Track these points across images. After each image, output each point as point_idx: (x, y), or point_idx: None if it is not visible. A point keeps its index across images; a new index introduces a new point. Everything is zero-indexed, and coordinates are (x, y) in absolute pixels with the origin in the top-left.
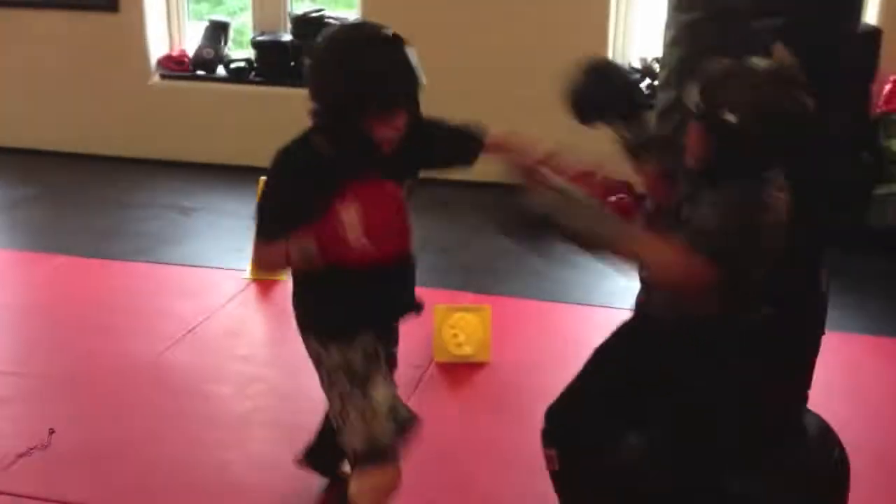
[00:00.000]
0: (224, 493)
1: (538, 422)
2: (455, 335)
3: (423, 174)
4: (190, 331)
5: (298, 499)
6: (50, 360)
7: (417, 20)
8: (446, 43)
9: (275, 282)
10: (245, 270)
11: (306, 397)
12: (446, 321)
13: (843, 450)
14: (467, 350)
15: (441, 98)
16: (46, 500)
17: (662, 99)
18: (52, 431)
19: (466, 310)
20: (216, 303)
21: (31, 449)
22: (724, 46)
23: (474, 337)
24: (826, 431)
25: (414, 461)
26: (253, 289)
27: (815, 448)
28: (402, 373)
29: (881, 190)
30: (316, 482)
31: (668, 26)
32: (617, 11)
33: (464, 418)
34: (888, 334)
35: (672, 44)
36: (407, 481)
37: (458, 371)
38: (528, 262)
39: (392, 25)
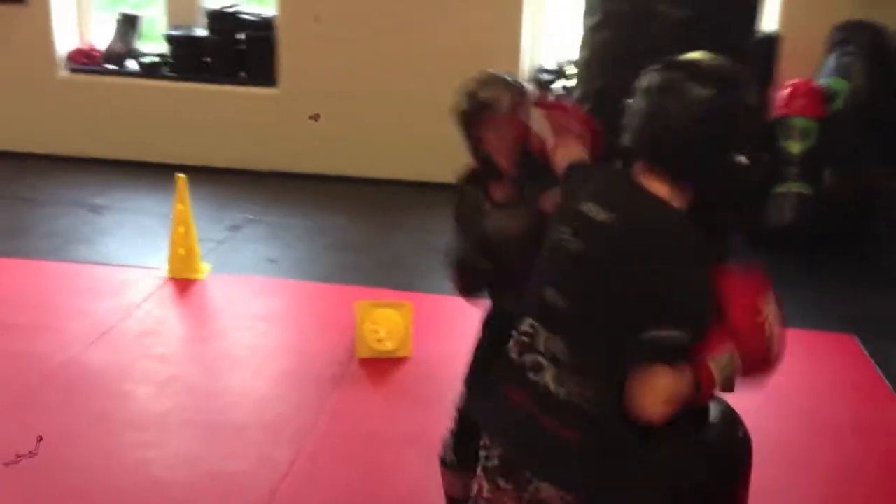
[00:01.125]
0: (144, 493)
1: None
2: (376, 331)
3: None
4: (106, 331)
5: (218, 497)
6: None
7: (327, 21)
8: (361, 43)
9: (191, 280)
10: (160, 269)
11: (225, 395)
12: (368, 318)
13: (745, 430)
14: (388, 346)
15: (359, 96)
16: None
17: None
18: (39, 439)
19: (387, 306)
20: (132, 301)
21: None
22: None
23: (395, 333)
24: (730, 414)
25: (340, 454)
26: (169, 287)
27: (719, 428)
28: (323, 370)
29: (779, 189)
30: (235, 481)
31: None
32: (532, 16)
33: (387, 412)
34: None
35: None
36: (333, 475)
37: (381, 366)
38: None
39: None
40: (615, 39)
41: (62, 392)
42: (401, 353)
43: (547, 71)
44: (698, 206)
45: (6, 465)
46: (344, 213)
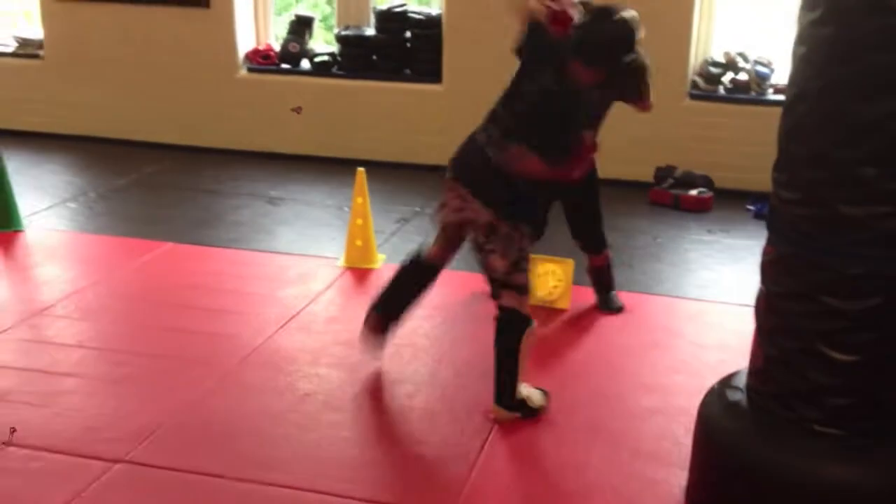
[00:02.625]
0: (345, 469)
1: None
2: (546, 281)
3: None
4: (294, 316)
5: (416, 478)
6: (169, 342)
7: (493, 19)
8: None
9: (367, 270)
10: (338, 258)
11: (412, 381)
12: (534, 270)
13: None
14: (555, 295)
15: None
16: (181, 470)
17: (791, 94)
18: (13, 430)
19: (551, 261)
20: (315, 289)
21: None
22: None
23: (559, 286)
24: None
25: (524, 442)
26: (347, 276)
27: None
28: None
29: None
30: (430, 464)
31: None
32: (700, 7)
33: (564, 401)
34: None
35: (797, 43)
36: (521, 465)
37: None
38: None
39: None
40: (840, 35)
41: (263, 371)
42: (560, 305)
43: (716, 63)
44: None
45: None
46: None
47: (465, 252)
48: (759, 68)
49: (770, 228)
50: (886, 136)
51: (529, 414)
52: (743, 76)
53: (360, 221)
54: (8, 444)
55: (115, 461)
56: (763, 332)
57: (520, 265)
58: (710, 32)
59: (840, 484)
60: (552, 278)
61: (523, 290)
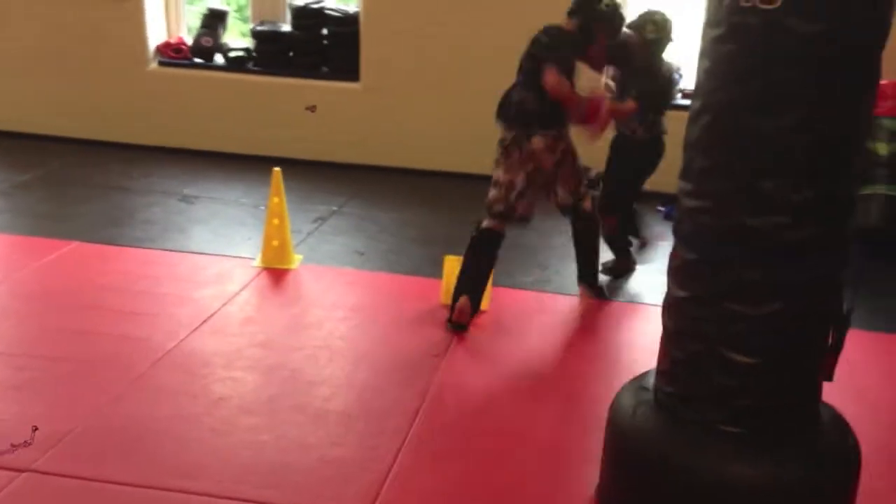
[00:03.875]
0: (262, 475)
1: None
2: None
3: None
4: (208, 318)
5: (333, 482)
6: (75, 345)
7: (411, 16)
8: (446, 38)
9: (284, 270)
10: (254, 258)
11: (329, 384)
12: (454, 271)
13: (856, 438)
14: None
15: (450, 94)
16: (91, 479)
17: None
18: (35, 428)
19: None
20: (230, 290)
21: (13, 447)
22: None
23: None
24: (840, 420)
25: (443, 443)
26: (264, 277)
27: (832, 435)
28: (421, 361)
29: (866, 190)
30: (346, 466)
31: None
32: None
33: (482, 401)
34: (881, 329)
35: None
36: (439, 464)
37: (476, 355)
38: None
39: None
40: (740, 52)
41: (176, 375)
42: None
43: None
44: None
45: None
46: (427, 207)
47: (383, 254)
48: (673, 74)
49: (676, 235)
50: (785, 150)
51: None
52: None
53: (276, 221)
54: (30, 443)
55: (21, 470)
56: (670, 334)
57: None
58: None
59: (743, 481)
60: None
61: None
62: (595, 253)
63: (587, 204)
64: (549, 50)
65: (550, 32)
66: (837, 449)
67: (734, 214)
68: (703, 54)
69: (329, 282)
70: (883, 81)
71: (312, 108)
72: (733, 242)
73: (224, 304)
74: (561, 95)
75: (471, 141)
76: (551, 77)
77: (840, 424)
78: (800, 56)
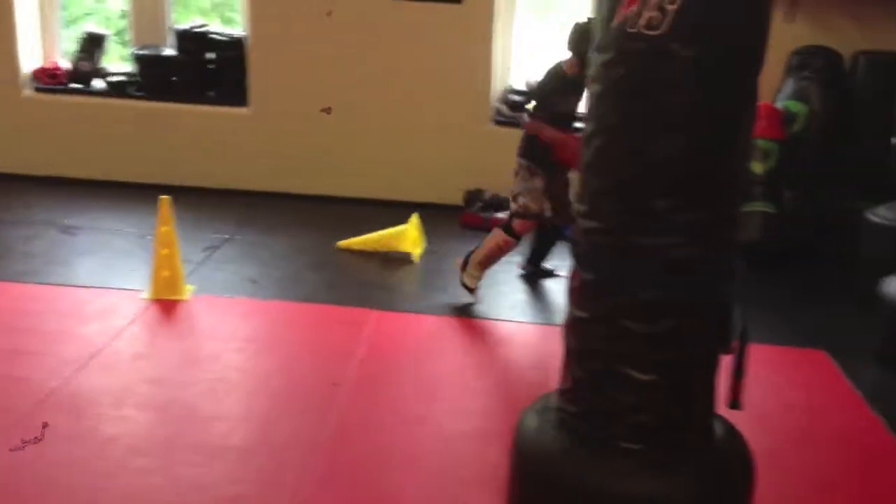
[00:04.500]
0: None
1: None
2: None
3: None
4: (95, 354)
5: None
6: None
7: (299, 41)
8: (333, 67)
9: (175, 302)
10: (142, 290)
11: (226, 419)
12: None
13: (749, 450)
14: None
15: (338, 119)
16: None
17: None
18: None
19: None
20: (118, 325)
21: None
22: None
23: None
24: (734, 433)
25: (346, 475)
26: (154, 309)
27: (727, 448)
28: (321, 390)
29: (746, 208)
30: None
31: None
32: (499, 39)
33: (388, 431)
34: (763, 341)
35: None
36: (342, 496)
37: (377, 384)
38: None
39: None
40: (629, 76)
41: (61, 416)
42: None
43: (517, 91)
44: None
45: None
46: (321, 232)
47: (277, 281)
48: None
49: (574, 255)
50: (675, 171)
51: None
52: None
53: (165, 251)
54: (40, 438)
55: None
56: (571, 353)
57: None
58: (509, 62)
59: (641, 497)
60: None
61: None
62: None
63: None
64: (535, 94)
65: (548, 73)
66: (733, 462)
67: (628, 234)
68: (595, 78)
69: (223, 312)
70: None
71: (328, 110)
72: (628, 262)
73: (112, 340)
74: (539, 135)
75: (361, 164)
76: (528, 123)
77: (734, 437)
78: (683, 80)
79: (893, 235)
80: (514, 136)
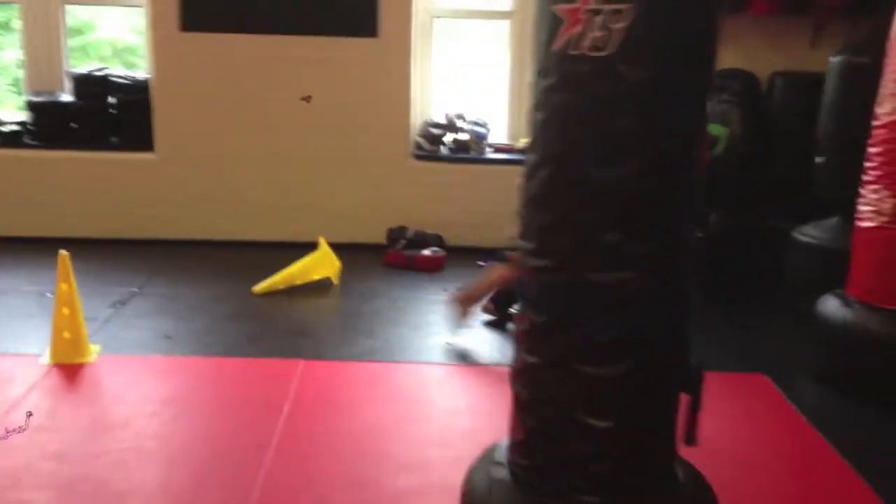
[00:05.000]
0: None
1: None
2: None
3: None
4: (7, 437)
5: None
6: None
7: (206, 81)
8: (244, 107)
9: (79, 365)
10: (41, 355)
11: (141, 493)
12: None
13: (713, 492)
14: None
15: (250, 160)
16: None
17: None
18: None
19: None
20: (13, 395)
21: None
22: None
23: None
24: (696, 475)
25: None
26: (55, 375)
27: (690, 492)
28: (246, 452)
29: None
30: None
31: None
32: (417, 73)
33: (319, 491)
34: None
35: (535, 109)
36: None
37: (307, 445)
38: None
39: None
40: (576, 100)
41: None
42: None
43: (437, 125)
44: None
45: None
46: (236, 279)
47: (195, 335)
48: (477, 128)
49: (521, 297)
50: (627, 200)
51: None
52: (463, 136)
53: (66, 311)
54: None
55: None
56: (521, 403)
57: None
58: (428, 95)
59: None
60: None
61: None
62: None
63: None
64: None
65: None
66: None
67: (579, 271)
68: (538, 105)
69: (134, 373)
70: None
71: (307, 98)
72: (580, 301)
73: (7, 412)
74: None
75: (276, 206)
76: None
77: (696, 479)
78: (632, 103)
79: (821, 254)
80: (436, 171)
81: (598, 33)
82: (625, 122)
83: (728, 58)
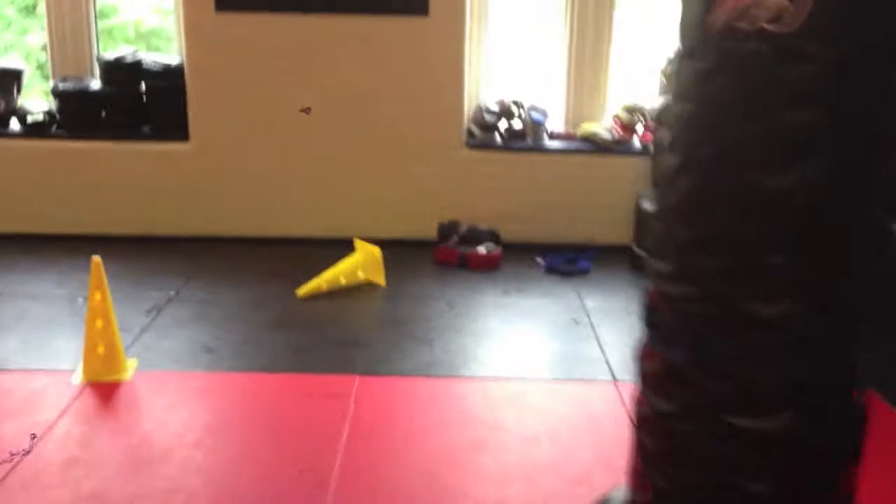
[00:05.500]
0: None
1: None
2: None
3: None
4: (15, 465)
5: None
6: None
7: (243, 65)
8: (284, 92)
9: (114, 384)
10: (74, 371)
11: None
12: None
13: None
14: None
15: (292, 150)
16: None
17: (669, 162)
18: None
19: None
20: (44, 419)
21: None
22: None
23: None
24: None
25: None
26: (89, 395)
27: None
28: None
29: None
30: None
31: (672, 80)
32: (470, 55)
33: None
34: None
35: (676, 99)
36: None
37: (366, 475)
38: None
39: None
40: (741, 89)
41: None
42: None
43: (490, 111)
44: None
45: None
46: (280, 280)
47: (236, 347)
48: (534, 114)
49: (651, 330)
50: (800, 214)
51: None
52: (518, 124)
53: (100, 323)
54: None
55: None
56: (648, 455)
57: None
58: (481, 80)
59: None
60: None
61: None
62: None
63: None
64: None
65: None
66: None
67: (732, 301)
68: (682, 95)
69: (174, 393)
70: None
71: (307, 110)
72: (731, 337)
73: (37, 441)
74: None
75: (319, 200)
76: None
77: None
78: (820, 92)
79: None
80: (490, 161)
81: (782, 2)
82: (807, 116)
83: None
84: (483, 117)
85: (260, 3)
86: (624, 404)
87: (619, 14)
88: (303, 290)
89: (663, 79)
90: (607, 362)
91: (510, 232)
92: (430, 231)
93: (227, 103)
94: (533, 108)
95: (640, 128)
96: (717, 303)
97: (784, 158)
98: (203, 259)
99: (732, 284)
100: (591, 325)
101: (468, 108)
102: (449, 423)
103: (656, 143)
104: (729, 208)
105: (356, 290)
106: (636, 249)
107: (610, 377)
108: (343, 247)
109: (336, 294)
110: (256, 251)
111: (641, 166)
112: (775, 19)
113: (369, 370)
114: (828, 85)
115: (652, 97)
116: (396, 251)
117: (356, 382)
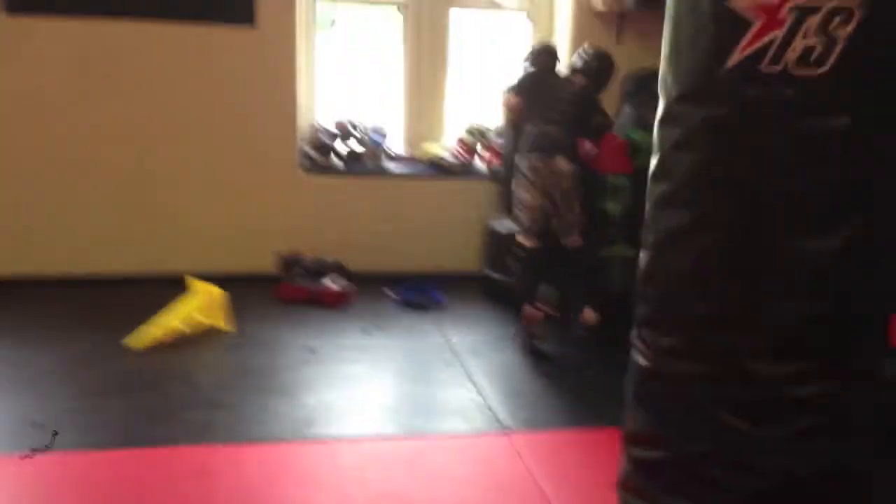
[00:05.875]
0: None
1: None
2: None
3: None
4: None
5: None
6: None
7: (41, 82)
8: (91, 113)
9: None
10: None
11: None
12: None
13: None
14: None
15: (98, 176)
16: None
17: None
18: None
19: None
20: None
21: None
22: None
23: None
24: None
25: None
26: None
27: None
28: None
29: (604, 254)
30: None
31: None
32: (302, 78)
33: None
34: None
35: (677, 148)
36: None
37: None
38: None
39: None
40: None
41: None
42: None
43: (328, 132)
44: None
45: None
46: (99, 330)
47: (77, 420)
48: (373, 135)
49: (653, 413)
50: (835, 281)
51: None
52: (357, 146)
53: None
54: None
55: None
56: None
57: None
58: (315, 98)
59: None
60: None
61: None
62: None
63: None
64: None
65: (578, 96)
66: None
67: (769, 381)
68: (685, 144)
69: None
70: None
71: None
72: (769, 424)
73: None
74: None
75: (134, 231)
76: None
77: None
78: (855, 146)
79: None
80: (328, 186)
81: (811, 41)
82: (839, 172)
83: (642, 57)
84: (319, 138)
85: (61, 5)
86: (521, 459)
87: (456, 34)
88: (137, 341)
89: (503, 104)
90: (489, 408)
91: (356, 262)
92: (266, 264)
93: (20, 123)
94: (373, 128)
95: (480, 149)
96: (742, 383)
97: (813, 221)
98: None
99: (766, 363)
100: (461, 364)
101: (303, 128)
102: (343, 498)
103: (651, 196)
104: (752, 278)
105: (200, 338)
106: (491, 274)
107: (498, 426)
108: (165, 285)
109: (178, 344)
110: (56, 294)
111: (487, 190)
112: (807, 61)
113: (233, 437)
114: (862, 138)
115: (493, 119)
116: (232, 289)
117: (222, 455)
